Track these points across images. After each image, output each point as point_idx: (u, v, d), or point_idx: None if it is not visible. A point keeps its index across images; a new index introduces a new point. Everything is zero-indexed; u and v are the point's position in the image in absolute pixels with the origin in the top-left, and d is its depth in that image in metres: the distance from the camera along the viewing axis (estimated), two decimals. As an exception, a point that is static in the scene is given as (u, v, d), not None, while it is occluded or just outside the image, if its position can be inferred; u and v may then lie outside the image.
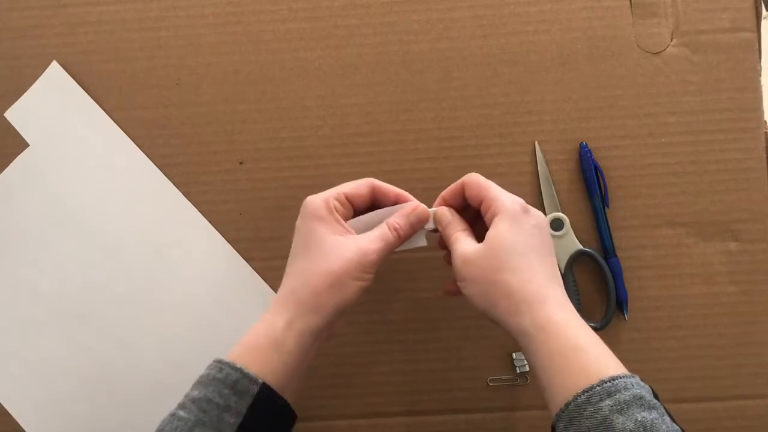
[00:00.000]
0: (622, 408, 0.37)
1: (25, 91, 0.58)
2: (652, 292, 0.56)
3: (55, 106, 0.58)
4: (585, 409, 0.38)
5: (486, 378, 0.57)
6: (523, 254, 0.44)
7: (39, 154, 0.59)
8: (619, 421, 0.37)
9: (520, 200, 0.46)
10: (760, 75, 0.57)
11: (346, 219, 0.48)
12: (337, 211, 0.47)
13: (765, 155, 0.56)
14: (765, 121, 0.57)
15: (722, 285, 0.56)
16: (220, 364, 0.43)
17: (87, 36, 0.59)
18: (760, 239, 0.56)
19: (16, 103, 0.58)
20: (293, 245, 0.47)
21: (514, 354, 0.56)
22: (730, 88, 0.56)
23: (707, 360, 0.56)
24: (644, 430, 0.36)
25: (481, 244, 0.45)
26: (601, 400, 0.38)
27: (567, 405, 0.39)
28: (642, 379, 0.40)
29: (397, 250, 0.49)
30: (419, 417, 0.57)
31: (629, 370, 0.41)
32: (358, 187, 0.48)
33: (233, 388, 0.41)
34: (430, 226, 0.49)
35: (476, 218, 0.49)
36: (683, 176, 0.57)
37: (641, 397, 0.38)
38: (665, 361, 0.56)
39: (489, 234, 0.45)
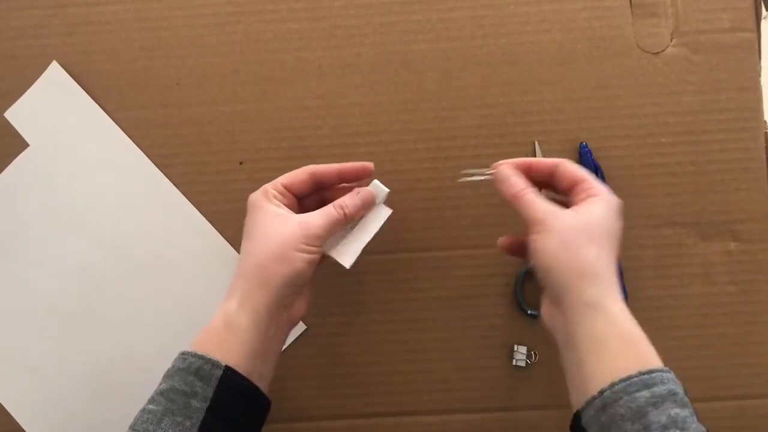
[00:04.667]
0: (657, 401, 0.37)
1: (25, 91, 0.58)
2: (652, 292, 0.56)
3: (55, 106, 0.58)
4: (621, 398, 0.38)
5: (486, 377, 0.57)
6: (610, 238, 0.44)
7: (39, 154, 0.59)
8: (653, 414, 0.37)
9: (620, 200, 0.46)
10: (760, 75, 0.57)
11: (288, 206, 0.49)
12: (275, 198, 0.48)
13: (765, 155, 0.56)
14: (765, 121, 0.57)
15: (722, 285, 0.56)
16: (183, 355, 0.44)
17: (87, 36, 0.59)
18: (760, 239, 0.56)
19: (16, 103, 0.58)
20: (243, 237, 0.48)
21: (515, 346, 0.56)
22: (730, 88, 0.56)
23: (707, 360, 0.56)
24: (675, 425, 0.37)
25: (570, 209, 0.45)
26: (638, 390, 0.38)
27: (601, 392, 0.39)
28: (676, 377, 0.40)
29: (369, 239, 0.50)
30: (419, 417, 0.57)
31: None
32: (296, 174, 0.50)
33: (197, 375, 0.42)
34: (381, 197, 0.50)
35: None
36: (683, 176, 0.57)
37: (675, 393, 0.38)
38: (665, 361, 0.56)
39: (583, 208, 0.44)
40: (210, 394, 0.42)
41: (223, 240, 0.58)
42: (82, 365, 0.58)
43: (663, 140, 0.57)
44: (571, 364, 0.43)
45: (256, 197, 0.48)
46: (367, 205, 0.51)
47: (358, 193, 0.50)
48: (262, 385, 0.45)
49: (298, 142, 0.58)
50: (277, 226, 0.47)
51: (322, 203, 0.50)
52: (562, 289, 0.43)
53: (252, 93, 0.58)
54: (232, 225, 0.58)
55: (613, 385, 0.39)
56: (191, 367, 0.43)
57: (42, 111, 0.58)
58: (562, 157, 0.56)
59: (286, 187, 0.49)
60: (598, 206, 0.44)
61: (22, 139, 0.58)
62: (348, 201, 0.49)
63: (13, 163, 0.58)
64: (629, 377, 0.39)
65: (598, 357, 0.41)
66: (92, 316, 0.58)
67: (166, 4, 0.59)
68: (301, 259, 0.46)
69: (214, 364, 0.43)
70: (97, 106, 0.58)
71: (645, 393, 0.38)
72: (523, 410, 0.57)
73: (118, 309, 0.58)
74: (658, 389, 0.38)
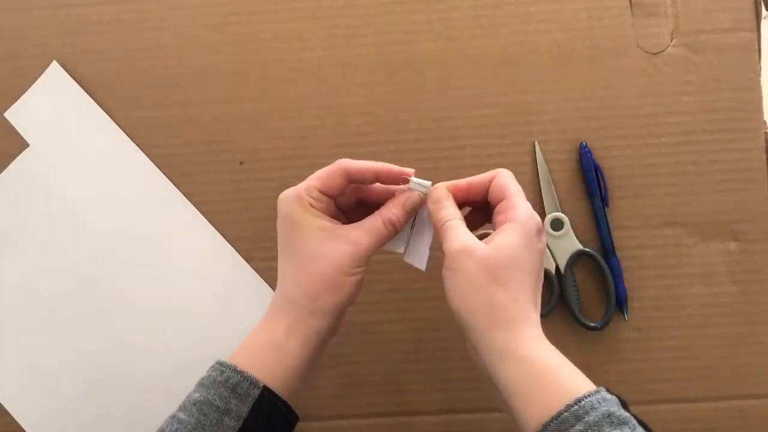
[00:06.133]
0: (593, 431, 0.36)
1: (25, 91, 0.58)
2: (652, 292, 0.56)
3: (55, 106, 0.58)
4: None
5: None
6: (521, 272, 0.42)
7: (39, 154, 0.59)
8: None
9: (538, 219, 0.44)
10: (760, 75, 0.57)
11: (325, 211, 0.45)
12: (313, 206, 0.44)
13: (765, 155, 0.56)
14: (765, 121, 0.57)
15: (722, 285, 0.56)
16: (221, 367, 0.42)
17: (87, 36, 0.59)
18: (760, 239, 0.56)
19: (16, 103, 0.58)
20: (279, 247, 0.46)
21: None
22: (730, 88, 0.56)
23: (707, 360, 0.56)
24: None
25: (484, 243, 0.43)
26: (571, 426, 0.36)
27: None
28: (608, 390, 0.39)
29: (432, 235, 0.48)
30: (419, 417, 0.57)
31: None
32: (330, 177, 0.45)
33: (234, 391, 0.41)
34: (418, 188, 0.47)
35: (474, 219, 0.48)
36: (683, 176, 0.57)
37: (610, 414, 0.37)
38: (665, 361, 0.56)
39: (497, 239, 0.43)
40: (244, 414, 0.41)
41: (224, 240, 0.58)
42: (83, 366, 0.58)
43: (663, 140, 0.57)
44: (503, 405, 0.42)
45: (291, 208, 0.44)
46: (412, 214, 0.47)
47: (406, 199, 0.46)
48: (295, 400, 0.44)
49: (298, 142, 0.58)
50: (324, 247, 0.43)
51: (355, 198, 0.47)
52: (472, 336, 0.42)
53: (252, 93, 0.58)
54: (232, 225, 0.58)
55: (545, 426, 0.37)
56: (229, 382, 0.41)
57: (42, 111, 0.58)
58: (563, 157, 0.57)
59: (321, 191, 0.45)
60: (512, 237, 0.42)
61: (22, 139, 0.58)
62: (398, 214, 0.45)
63: (13, 163, 0.58)
64: (558, 414, 0.37)
65: (522, 402, 0.40)
66: (92, 316, 0.58)
67: (166, 4, 0.59)
68: (352, 283, 0.44)
69: (252, 382, 0.42)
70: (97, 106, 0.58)
71: (579, 426, 0.36)
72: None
73: (118, 309, 0.58)
74: (591, 417, 0.36)
